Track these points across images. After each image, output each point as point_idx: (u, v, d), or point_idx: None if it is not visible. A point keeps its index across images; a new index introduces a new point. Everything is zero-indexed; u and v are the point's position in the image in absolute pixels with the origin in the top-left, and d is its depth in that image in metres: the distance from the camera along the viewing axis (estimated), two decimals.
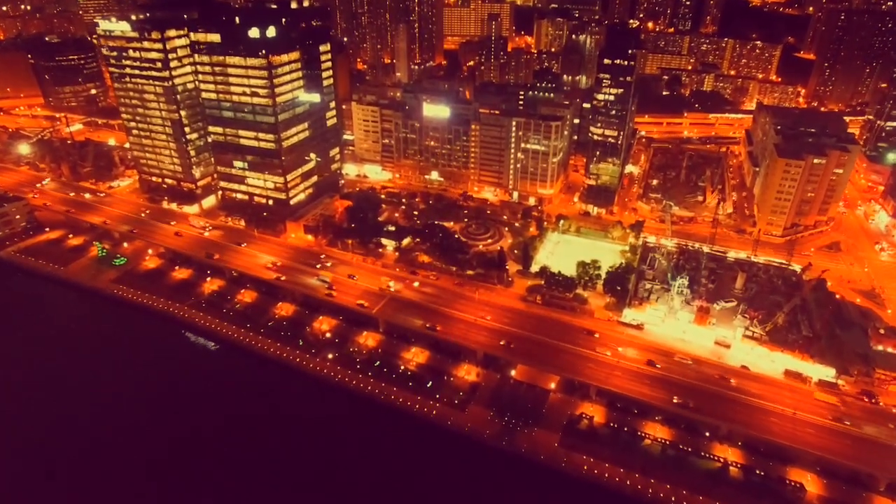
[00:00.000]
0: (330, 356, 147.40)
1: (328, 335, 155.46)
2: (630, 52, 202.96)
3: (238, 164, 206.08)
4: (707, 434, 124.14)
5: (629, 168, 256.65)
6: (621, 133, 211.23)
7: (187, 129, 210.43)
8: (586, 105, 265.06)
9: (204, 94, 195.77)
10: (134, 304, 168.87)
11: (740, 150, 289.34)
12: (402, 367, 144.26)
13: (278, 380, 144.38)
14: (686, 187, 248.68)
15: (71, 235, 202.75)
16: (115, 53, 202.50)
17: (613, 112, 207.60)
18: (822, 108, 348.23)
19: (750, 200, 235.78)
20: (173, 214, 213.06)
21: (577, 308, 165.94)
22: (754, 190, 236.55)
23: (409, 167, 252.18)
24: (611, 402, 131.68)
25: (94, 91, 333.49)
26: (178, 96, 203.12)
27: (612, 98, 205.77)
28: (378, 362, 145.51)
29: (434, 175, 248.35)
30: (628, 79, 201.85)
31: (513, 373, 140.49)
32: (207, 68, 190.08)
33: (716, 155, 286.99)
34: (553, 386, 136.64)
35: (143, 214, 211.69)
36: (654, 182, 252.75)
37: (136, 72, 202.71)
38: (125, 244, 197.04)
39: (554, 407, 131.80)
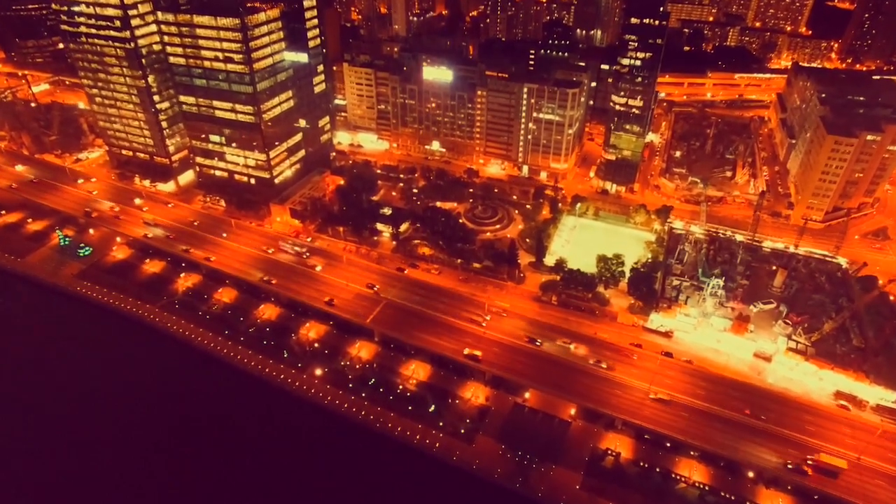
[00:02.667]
0: (318, 371, 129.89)
1: (316, 345, 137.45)
2: (661, 9, 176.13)
3: (214, 138, 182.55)
4: (751, 475, 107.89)
5: (649, 136, 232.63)
6: (647, 102, 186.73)
7: (157, 98, 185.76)
8: (604, 66, 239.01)
9: (172, 59, 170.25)
10: (99, 305, 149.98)
11: (770, 115, 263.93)
12: (401, 386, 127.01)
13: (259, 399, 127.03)
14: (713, 160, 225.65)
15: (30, 220, 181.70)
16: (65, 8, 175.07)
17: (639, 79, 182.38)
18: (859, 66, 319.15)
19: (784, 177, 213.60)
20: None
21: (598, 310, 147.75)
22: (788, 165, 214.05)
23: (408, 136, 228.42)
24: (638, 434, 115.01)
25: (61, 45, 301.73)
26: (144, 60, 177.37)
27: (638, 63, 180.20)
28: (373, 380, 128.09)
29: (435, 145, 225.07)
30: (658, 41, 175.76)
31: (527, 395, 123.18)
32: (173, 28, 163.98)
33: (744, 121, 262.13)
34: (573, 412, 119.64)
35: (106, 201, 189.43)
36: (678, 154, 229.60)
37: (93, 31, 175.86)
38: (91, 231, 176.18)
39: (574, 438, 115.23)
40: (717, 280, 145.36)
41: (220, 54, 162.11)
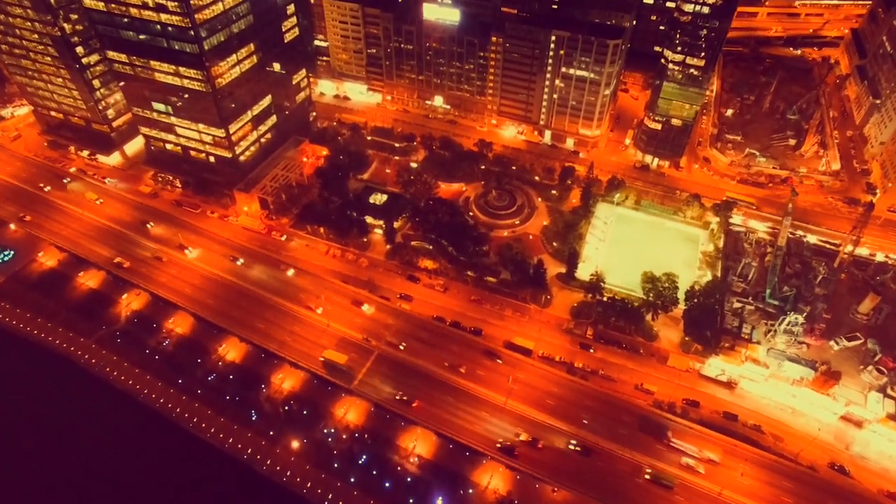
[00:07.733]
0: (295, 444, 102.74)
1: (293, 403, 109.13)
2: None
3: (158, 106, 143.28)
4: None
5: None
6: (712, 59, 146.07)
7: (80, 50, 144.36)
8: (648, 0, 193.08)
9: (87, 3, 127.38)
10: (19, 337, 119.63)
11: (840, 57, 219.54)
12: (399, 467, 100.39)
13: (220, 481, 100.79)
14: (771, 122, 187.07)
15: None
16: None
17: (704, 31, 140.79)
18: None
19: (859, 145, 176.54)
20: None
21: (643, 347, 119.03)
22: (867, 130, 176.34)
23: (405, 88, 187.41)
24: None
25: None
26: (53, 0, 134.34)
27: (706, 10, 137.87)
28: (364, 457, 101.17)
29: (438, 101, 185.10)
30: None
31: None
32: None
33: (807, 66, 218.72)
34: None
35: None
36: (729, 112, 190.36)
37: None
38: (12, 226, 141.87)
39: None
40: (795, 316, 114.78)
41: (149, 0, 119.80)
